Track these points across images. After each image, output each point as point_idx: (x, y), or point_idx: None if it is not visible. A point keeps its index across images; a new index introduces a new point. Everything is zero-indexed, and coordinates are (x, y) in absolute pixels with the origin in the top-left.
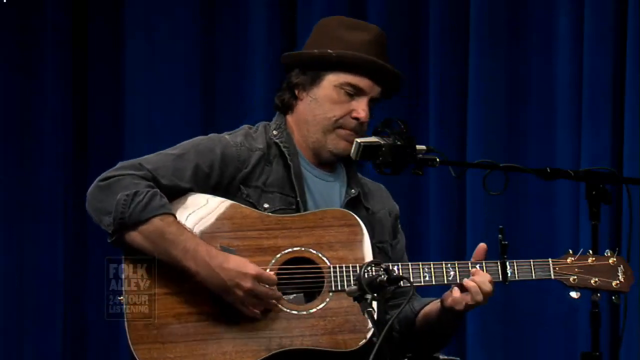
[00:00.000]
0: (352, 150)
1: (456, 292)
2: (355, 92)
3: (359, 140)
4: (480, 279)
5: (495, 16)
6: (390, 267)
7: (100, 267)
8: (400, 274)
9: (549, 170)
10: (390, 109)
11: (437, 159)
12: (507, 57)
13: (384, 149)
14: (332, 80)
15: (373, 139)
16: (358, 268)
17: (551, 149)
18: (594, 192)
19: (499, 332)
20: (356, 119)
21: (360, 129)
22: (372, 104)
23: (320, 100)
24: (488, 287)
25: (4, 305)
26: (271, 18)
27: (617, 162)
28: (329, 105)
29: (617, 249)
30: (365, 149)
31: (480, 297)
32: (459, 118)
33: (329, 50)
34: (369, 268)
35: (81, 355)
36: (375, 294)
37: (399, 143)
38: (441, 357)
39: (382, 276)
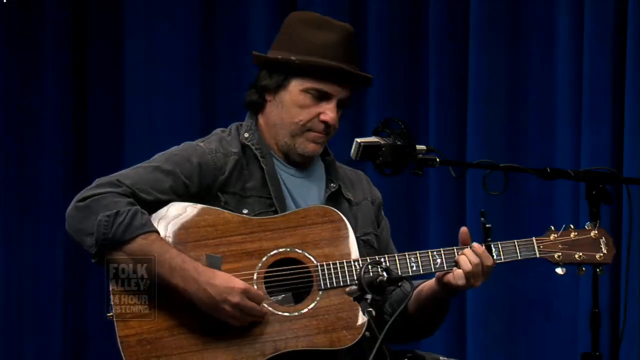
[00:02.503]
0: (352, 150)
1: (457, 271)
2: (321, 96)
3: (359, 140)
4: (468, 251)
5: (495, 16)
6: (378, 259)
7: (100, 267)
8: (389, 266)
9: (549, 170)
10: (390, 109)
11: (437, 159)
12: (507, 57)
13: (384, 149)
14: (297, 85)
15: (373, 139)
16: (345, 264)
17: (551, 148)
18: (594, 192)
19: (499, 333)
20: (324, 122)
21: (329, 130)
22: (342, 104)
23: (287, 104)
24: (474, 258)
25: (4, 305)
26: (271, 18)
27: (617, 161)
28: (295, 109)
29: (598, 221)
30: (365, 149)
31: (468, 267)
32: (459, 118)
33: (292, 57)
34: (369, 268)
35: (81, 355)
36: (376, 294)
37: (399, 143)
38: (441, 357)
39: (382, 276)
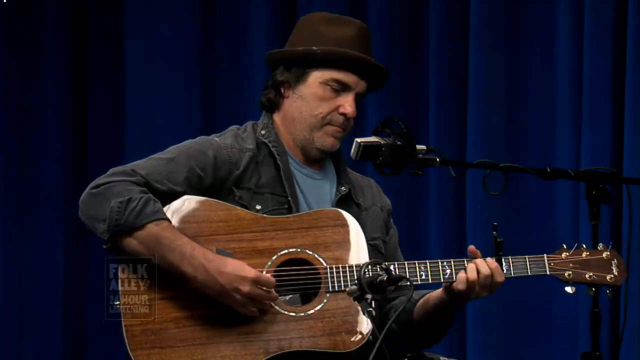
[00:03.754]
0: (352, 150)
1: (462, 274)
2: (341, 88)
3: (359, 140)
4: (480, 261)
5: (495, 16)
6: (382, 262)
7: (100, 267)
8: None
9: (549, 170)
10: (390, 109)
11: (437, 159)
12: (507, 57)
13: (384, 149)
14: (317, 76)
15: (373, 139)
16: (355, 268)
17: (551, 148)
18: (594, 192)
19: (499, 333)
20: (343, 114)
21: (348, 124)
22: (358, 98)
23: (306, 97)
24: (486, 269)
25: (4, 305)
26: (271, 18)
27: (617, 161)
28: (315, 102)
29: (611, 242)
30: (365, 148)
31: (474, 275)
32: (459, 118)
33: (313, 47)
34: (369, 268)
35: (81, 356)
36: (376, 294)
37: (399, 143)
38: (442, 357)
39: (382, 276)
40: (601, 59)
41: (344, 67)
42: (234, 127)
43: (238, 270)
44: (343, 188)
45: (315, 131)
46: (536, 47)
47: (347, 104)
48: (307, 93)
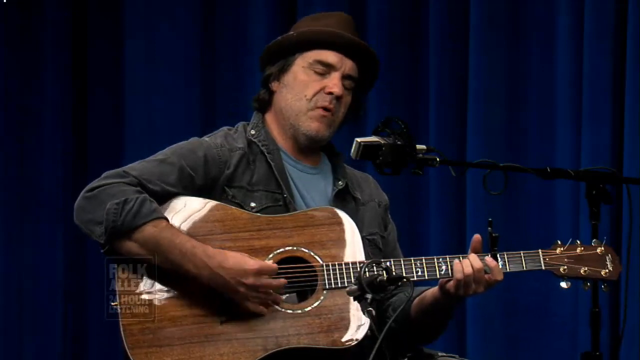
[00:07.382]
0: (352, 150)
1: (457, 262)
2: (325, 69)
3: (359, 139)
4: (473, 256)
5: (495, 16)
6: (379, 260)
7: (100, 267)
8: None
9: (549, 169)
10: (390, 109)
11: (437, 159)
12: (507, 57)
13: (384, 148)
14: (300, 62)
15: (373, 138)
16: (351, 265)
17: (551, 148)
18: (594, 192)
19: (499, 332)
20: (330, 93)
21: (337, 106)
22: (349, 83)
23: (291, 84)
24: (479, 263)
25: (4, 305)
26: (271, 18)
27: (617, 161)
28: (300, 87)
29: (605, 238)
30: (366, 148)
31: (469, 270)
32: (459, 118)
33: (290, 32)
34: (369, 267)
35: (81, 356)
36: (376, 294)
37: (399, 143)
38: (440, 354)
39: (382, 276)
40: (601, 59)
41: (324, 46)
42: (225, 128)
43: (240, 263)
44: (340, 182)
45: (301, 116)
46: (536, 47)
47: (331, 83)
48: (291, 80)
